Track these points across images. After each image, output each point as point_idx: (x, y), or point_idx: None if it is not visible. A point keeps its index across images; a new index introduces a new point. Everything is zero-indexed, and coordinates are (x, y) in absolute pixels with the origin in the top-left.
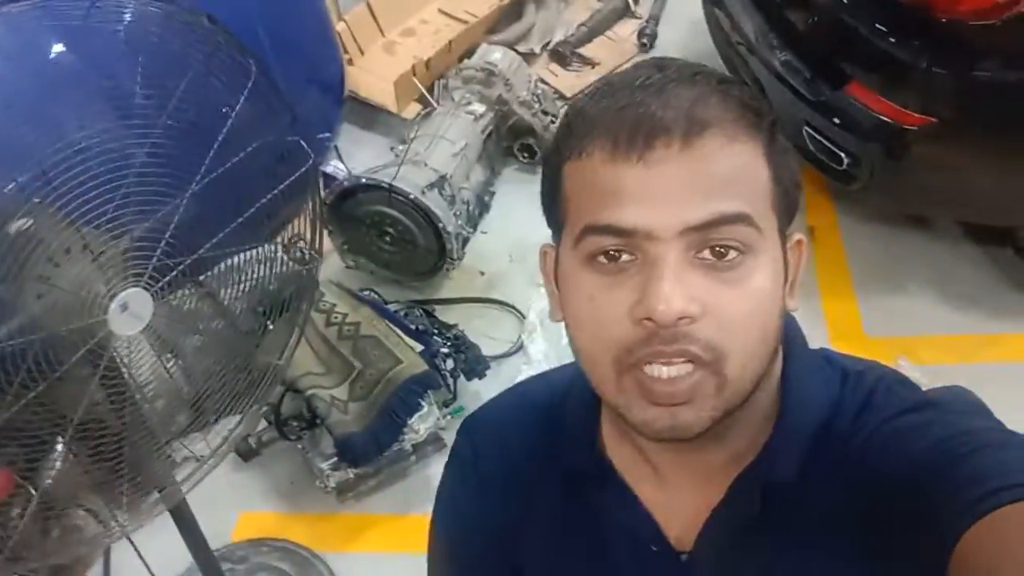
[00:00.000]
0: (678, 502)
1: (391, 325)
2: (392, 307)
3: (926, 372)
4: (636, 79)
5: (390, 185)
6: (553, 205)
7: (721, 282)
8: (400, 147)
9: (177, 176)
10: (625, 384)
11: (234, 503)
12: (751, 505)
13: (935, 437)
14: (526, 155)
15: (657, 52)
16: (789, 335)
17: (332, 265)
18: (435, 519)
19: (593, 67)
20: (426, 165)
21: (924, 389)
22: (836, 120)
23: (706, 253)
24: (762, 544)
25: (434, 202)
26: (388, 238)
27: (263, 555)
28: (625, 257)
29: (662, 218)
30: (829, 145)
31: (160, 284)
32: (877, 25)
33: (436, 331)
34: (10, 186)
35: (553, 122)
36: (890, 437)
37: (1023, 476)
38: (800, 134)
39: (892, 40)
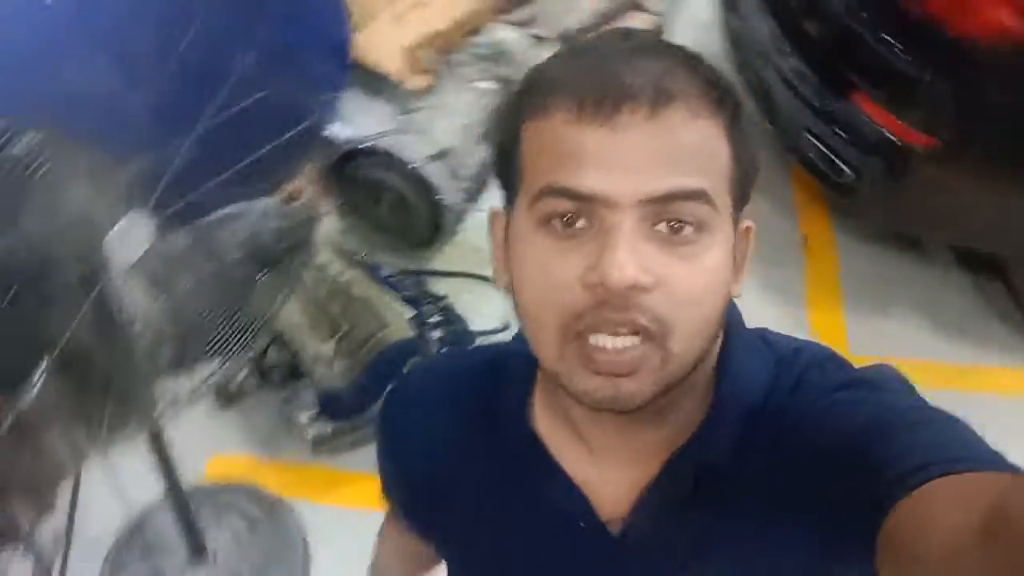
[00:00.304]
0: (610, 480)
1: (382, 289)
2: (385, 272)
3: None
4: (604, 45)
5: (392, 152)
6: (508, 166)
7: (675, 256)
8: (405, 116)
9: (187, 114)
10: (568, 353)
11: (208, 446)
12: (684, 484)
13: (866, 414)
14: None
15: None
16: (728, 317)
17: (328, 225)
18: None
19: None
20: (430, 135)
21: (858, 368)
22: (839, 131)
23: (661, 226)
24: (694, 522)
25: (434, 174)
26: (386, 205)
27: (232, 496)
28: (581, 223)
29: (622, 185)
30: (830, 155)
31: (160, 218)
32: (886, 37)
33: (427, 300)
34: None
35: None
36: (821, 414)
37: (951, 452)
38: (803, 142)
39: (900, 54)
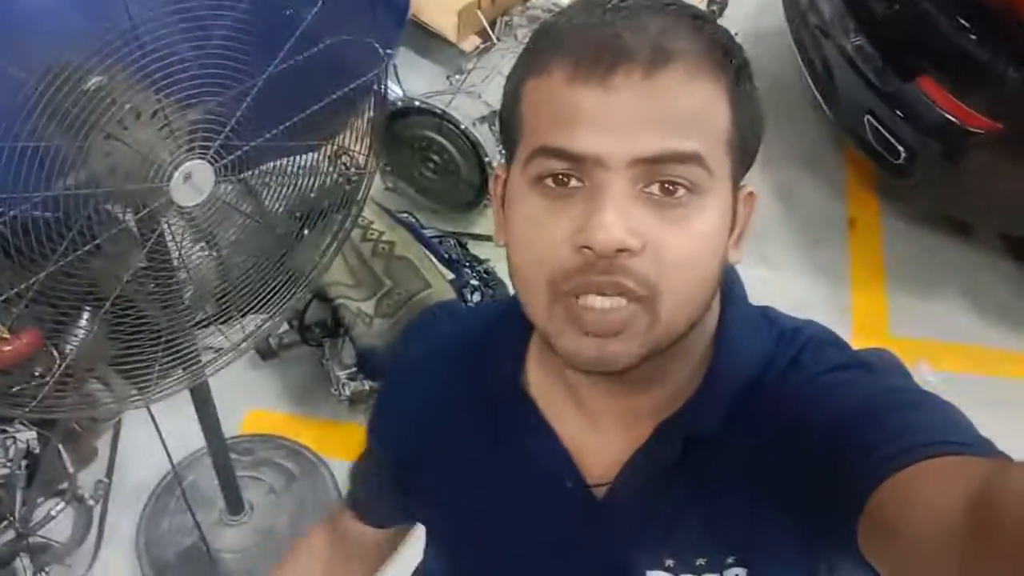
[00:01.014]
0: (600, 443)
1: (425, 250)
2: (427, 233)
3: (943, 379)
4: (612, 1)
5: (443, 111)
6: (510, 123)
7: (665, 219)
8: (457, 76)
9: (251, 63)
10: (556, 311)
11: (246, 400)
12: (671, 452)
13: (857, 394)
14: None
15: (724, 22)
16: (730, 287)
17: (373, 183)
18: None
19: None
20: (480, 98)
21: (857, 351)
22: (900, 112)
23: (654, 188)
24: (680, 490)
25: (484, 136)
26: (432, 165)
27: (269, 451)
28: (573, 183)
29: (613, 146)
30: (888, 137)
31: (221, 163)
32: (959, 21)
33: (467, 263)
34: (99, 35)
35: None
36: (814, 393)
37: (939, 434)
38: (861, 122)
39: (972, 39)
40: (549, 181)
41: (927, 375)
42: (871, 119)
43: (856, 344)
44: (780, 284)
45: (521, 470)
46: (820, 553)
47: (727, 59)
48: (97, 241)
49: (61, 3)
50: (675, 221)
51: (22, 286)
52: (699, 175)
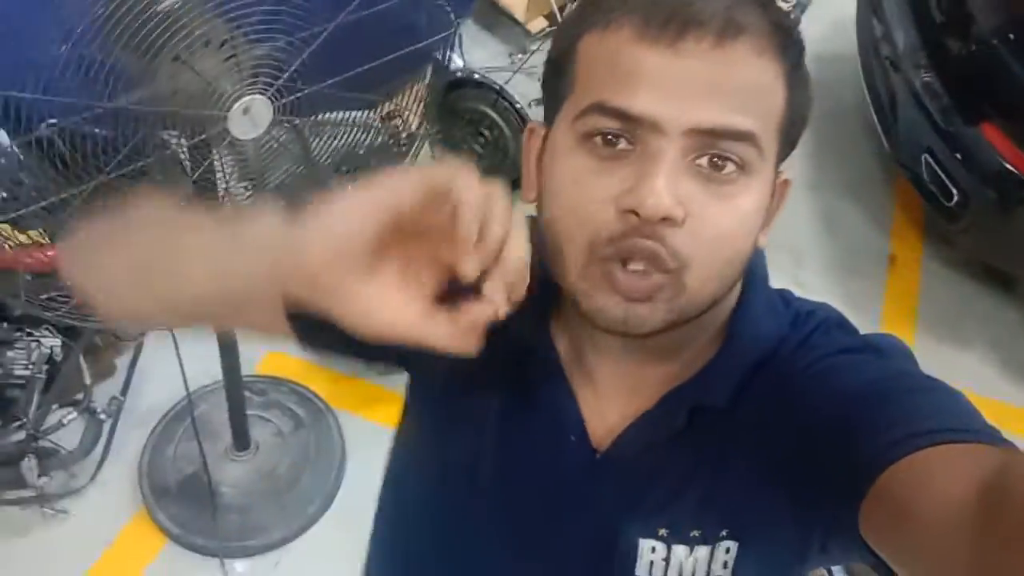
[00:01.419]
0: (606, 406)
1: None
2: None
3: None
4: None
5: (501, 88)
6: (559, 76)
7: (710, 194)
8: (520, 55)
9: (323, 9)
10: (591, 271)
11: (264, 340)
12: (676, 420)
13: (866, 376)
14: None
15: None
16: (753, 269)
17: (422, 150)
18: None
19: None
20: (540, 80)
21: (866, 335)
22: (959, 155)
23: (703, 161)
24: (682, 461)
25: (537, 117)
26: (482, 140)
27: (282, 394)
28: (623, 144)
29: (673, 112)
30: (944, 178)
31: (280, 103)
32: None
33: None
34: None
35: None
36: (823, 373)
37: (948, 421)
38: (918, 159)
39: None
40: (598, 139)
41: None
42: (929, 158)
43: None
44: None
45: (528, 408)
46: (816, 534)
47: (789, 40)
48: (150, 159)
49: None
50: (720, 196)
51: (65, 194)
52: (751, 154)
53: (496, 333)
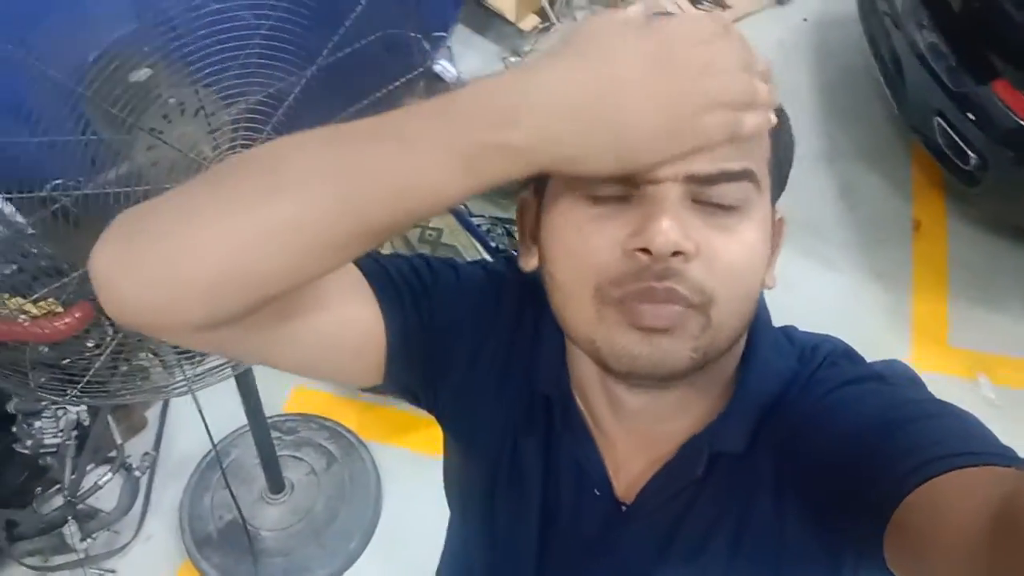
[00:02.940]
0: (628, 459)
1: (471, 237)
2: (476, 221)
3: (1003, 393)
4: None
5: None
6: None
7: (717, 228)
8: (512, 59)
9: (297, 55)
10: (606, 313)
11: (290, 377)
12: (695, 469)
13: (873, 407)
14: None
15: (794, 8)
16: (758, 312)
17: None
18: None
19: (723, 9)
20: None
21: (869, 363)
22: (972, 116)
23: (704, 200)
24: (704, 507)
25: None
26: None
27: (312, 431)
28: (624, 194)
29: (670, 167)
30: (959, 141)
31: None
32: None
33: (515, 252)
34: (135, 38)
35: None
36: (832, 408)
37: (960, 445)
38: (930, 123)
39: None
40: (599, 193)
41: (986, 389)
42: (941, 121)
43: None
44: (838, 286)
45: (556, 467)
46: (846, 568)
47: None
48: None
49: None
50: (726, 229)
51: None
52: (749, 190)
53: (521, 387)
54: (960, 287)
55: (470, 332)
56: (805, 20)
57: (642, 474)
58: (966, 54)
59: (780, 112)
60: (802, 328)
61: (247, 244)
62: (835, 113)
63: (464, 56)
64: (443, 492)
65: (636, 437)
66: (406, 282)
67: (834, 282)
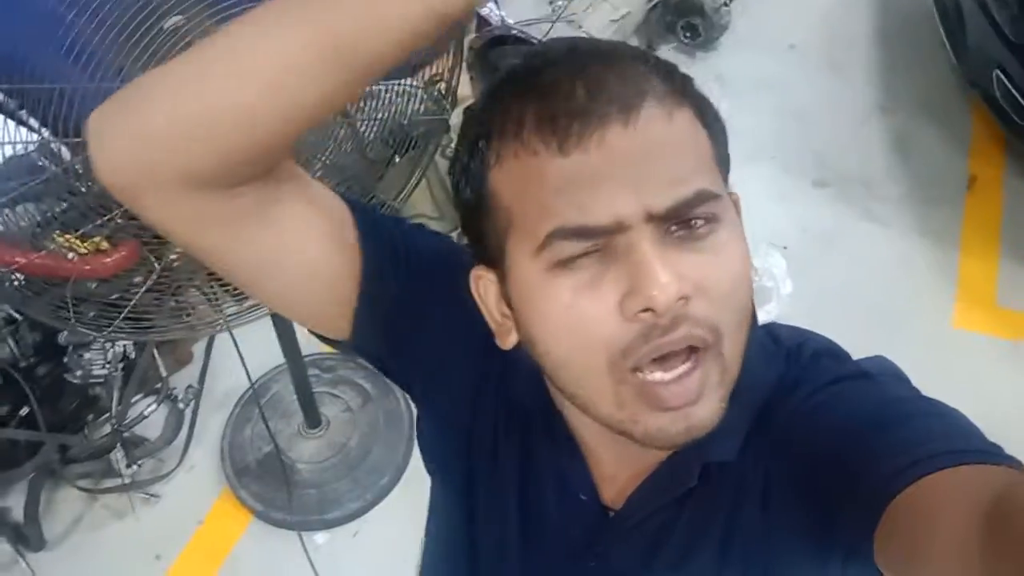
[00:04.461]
0: (615, 466)
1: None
2: None
3: None
4: (551, 62)
5: (540, 42)
6: (485, 217)
7: (699, 253)
8: (560, 2)
9: None
10: (625, 395)
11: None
12: (687, 480)
13: (862, 406)
14: (688, 35)
15: None
16: None
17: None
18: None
19: None
20: (580, 28)
21: (855, 360)
22: None
23: (675, 228)
24: (693, 515)
25: None
26: None
27: (349, 370)
28: (596, 253)
29: (627, 204)
30: (1017, 95)
31: None
32: None
33: None
34: None
35: (726, 5)
36: (819, 408)
37: (949, 444)
38: (989, 76)
39: None
40: (570, 262)
41: None
42: (1000, 74)
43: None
44: (883, 242)
45: (542, 475)
46: (836, 565)
47: (683, 85)
48: None
49: None
50: (708, 252)
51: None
52: (711, 206)
53: (506, 400)
54: (1012, 247)
55: (449, 317)
56: None
57: (629, 481)
58: None
59: (704, 101)
60: (843, 287)
61: (210, 84)
62: (894, 64)
63: (513, 2)
64: None
65: (622, 447)
66: (393, 239)
67: (880, 237)
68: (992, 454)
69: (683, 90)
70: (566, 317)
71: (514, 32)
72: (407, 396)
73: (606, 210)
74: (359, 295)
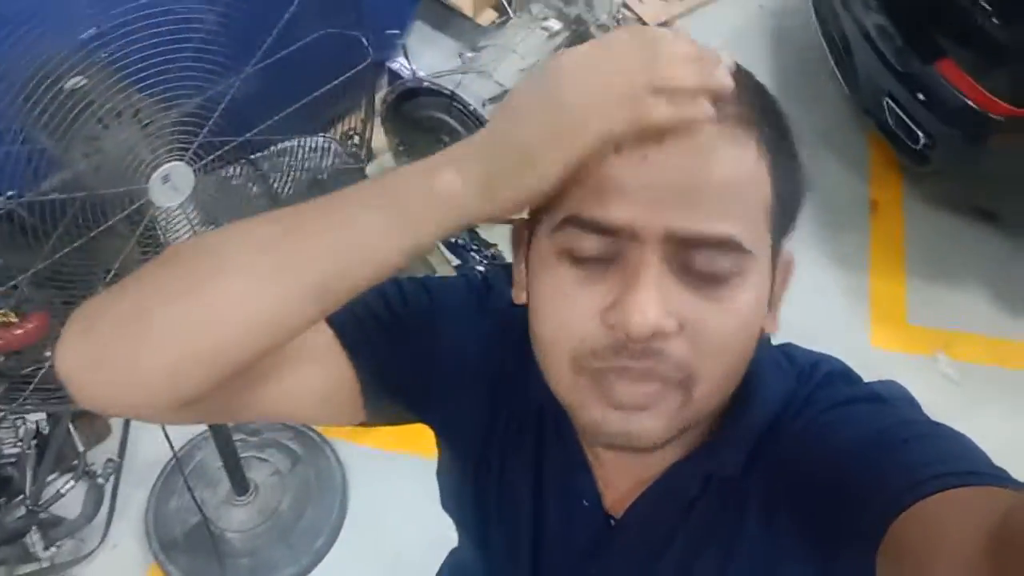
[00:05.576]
0: (618, 474)
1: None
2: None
3: (961, 369)
4: None
5: (452, 93)
6: None
7: (704, 298)
8: (469, 54)
9: (234, 57)
10: (582, 383)
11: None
12: (689, 491)
13: (869, 427)
14: None
15: None
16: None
17: (386, 164)
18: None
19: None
20: (491, 78)
21: (867, 383)
22: (920, 96)
23: (689, 266)
24: (695, 526)
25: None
26: (443, 146)
27: (276, 431)
28: (605, 253)
29: (648, 217)
30: (908, 121)
31: (204, 162)
32: (982, 2)
33: (475, 247)
34: (69, 46)
35: None
36: (827, 427)
37: (955, 465)
38: (880, 104)
39: (995, 21)
40: (579, 252)
41: (944, 365)
42: (890, 101)
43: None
44: (797, 268)
45: (550, 483)
46: None
47: (765, 117)
48: (82, 240)
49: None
50: (714, 299)
51: (23, 275)
52: (736, 256)
53: (511, 399)
54: (917, 266)
55: (449, 353)
56: (761, 7)
57: (631, 490)
58: (912, 34)
59: (786, 146)
60: None
61: (198, 325)
62: (791, 97)
63: (422, 53)
64: (407, 489)
65: (625, 454)
66: (374, 316)
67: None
68: (998, 477)
69: (761, 122)
70: (555, 303)
71: (425, 84)
72: (338, 455)
73: (625, 213)
74: (361, 389)
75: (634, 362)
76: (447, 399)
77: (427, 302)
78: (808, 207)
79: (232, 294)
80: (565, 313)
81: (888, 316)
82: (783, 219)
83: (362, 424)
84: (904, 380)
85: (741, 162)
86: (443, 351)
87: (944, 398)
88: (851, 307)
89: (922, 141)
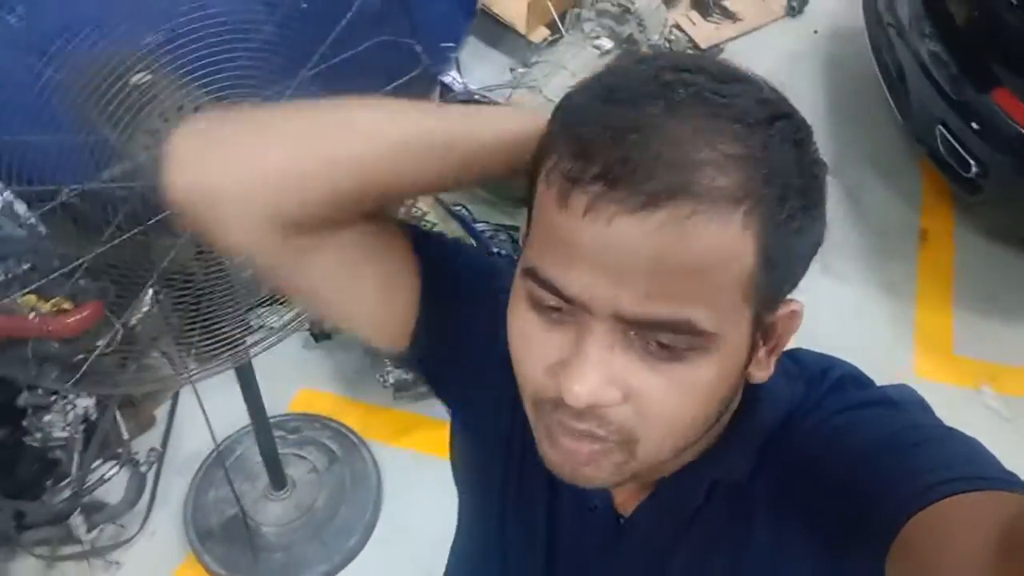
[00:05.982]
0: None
1: (475, 243)
2: (480, 227)
3: (1006, 402)
4: (631, 80)
5: (502, 105)
6: (530, 202)
7: (653, 369)
8: (520, 69)
9: (293, 59)
10: (538, 423)
11: (297, 379)
12: (695, 497)
13: (880, 432)
14: None
15: (805, 20)
16: None
17: None
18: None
19: (734, 22)
20: (541, 93)
21: (879, 387)
22: (973, 125)
23: (642, 338)
24: (702, 532)
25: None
26: None
27: (315, 431)
28: (565, 309)
29: (600, 292)
30: (960, 150)
31: None
32: None
33: (516, 259)
34: (140, 45)
35: None
36: (838, 432)
37: (965, 470)
38: (932, 132)
39: None
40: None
41: (989, 398)
42: (943, 129)
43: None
44: (842, 296)
45: (562, 485)
46: None
47: (772, 179)
48: (139, 228)
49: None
50: (665, 373)
51: (79, 260)
52: (692, 340)
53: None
54: (965, 297)
55: (494, 334)
56: (816, 32)
57: (640, 490)
58: (967, 63)
59: (793, 193)
60: (805, 339)
61: (330, 135)
62: (844, 123)
63: (474, 67)
64: (442, 493)
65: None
66: (458, 258)
67: (839, 291)
68: (1008, 482)
69: (761, 179)
70: (519, 344)
71: (476, 97)
72: (375, 457)
73: (577, 285)
74: (417, 312)
75: (574, 422)
76: (482, 374)
77: (488, 273)
78: (857, 234)
79: (364, 121)
80: (525, 357)
81: (934, 346)
82: (774, 283)
83: (394, 355)
84: (948, 412)
85: (716, 240)
86: (487, 325)
87: (988, 431)
88: (896, 335)
89: (974, 170)
